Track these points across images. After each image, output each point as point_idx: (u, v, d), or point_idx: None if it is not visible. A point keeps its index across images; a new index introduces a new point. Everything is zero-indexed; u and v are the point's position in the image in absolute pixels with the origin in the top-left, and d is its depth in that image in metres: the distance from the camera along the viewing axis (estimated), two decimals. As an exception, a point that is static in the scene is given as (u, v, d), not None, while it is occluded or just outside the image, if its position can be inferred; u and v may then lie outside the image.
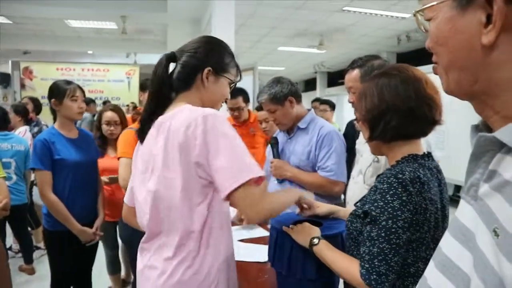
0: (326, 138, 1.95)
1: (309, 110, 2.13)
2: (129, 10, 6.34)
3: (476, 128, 0.60)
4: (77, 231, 2.14)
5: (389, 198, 0.98)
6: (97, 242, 2.37)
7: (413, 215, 0.97)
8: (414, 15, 0.63)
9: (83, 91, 2.26)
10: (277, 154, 2.09)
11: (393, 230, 0.97)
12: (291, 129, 2.11)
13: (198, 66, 1.20)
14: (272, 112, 2.03)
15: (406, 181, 0.98)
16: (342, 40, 7.91)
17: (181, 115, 1.10)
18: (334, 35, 7.50)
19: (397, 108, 1.04)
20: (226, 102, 3.08)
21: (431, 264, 0.64)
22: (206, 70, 1.20)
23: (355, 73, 1.68)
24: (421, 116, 1.04)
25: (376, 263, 0.97)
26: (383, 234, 0.98)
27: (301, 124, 2.05)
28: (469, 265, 0.53)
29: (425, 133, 1.10)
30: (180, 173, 1.06)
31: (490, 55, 0.50)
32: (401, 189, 0.97)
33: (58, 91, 2.15)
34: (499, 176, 0.51)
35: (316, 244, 1.17)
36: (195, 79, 1.21)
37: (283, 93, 1.99)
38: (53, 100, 2.15)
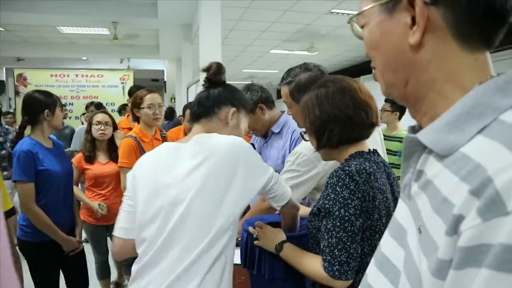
0: (299, 141, 1.93)
1: (282, 112, 2.15)
2: (120, 16, 6.37)
3: (413, 129, 0.62)
4: (63, 241, 2.14)
5: (338, 189, 1.04)
6: (83, 250, 2.36)
7: (362, 202, 1.03)
8: (349, 22, 0.65)
9: None
10: None
11: (346, 218, 1.02)
12: (266, 134, 2.14)
13: None
14: None
15: (352, 172, 1.05)
16: (333, 43, 7.96)
17: None
18: (324, 38, 7.54)
19: (337, 117, 1.12)
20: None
21: (372, 261, 0.67)
22: None
23: (285, 89, 1.72)
24: (360, 121, 1.13)
25: (337, 253, 1.02)
26: (338, 224, 1.03)
27: (275, 129, 2.08)
28: (402, 262, 0.55)
29: (366, 136, 1.18)
30: None
31: (417, 55, 0.53)
32: (348, 179, 1.04)
33: (50, 102, 2.15)
34: (424, 175, 0.53)
35: (281, 250, 1.22)
36: None
37: (253, 100, 2.01)
38: (46, 111, 2.13)
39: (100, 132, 2.77)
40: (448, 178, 0.47)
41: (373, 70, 0.64)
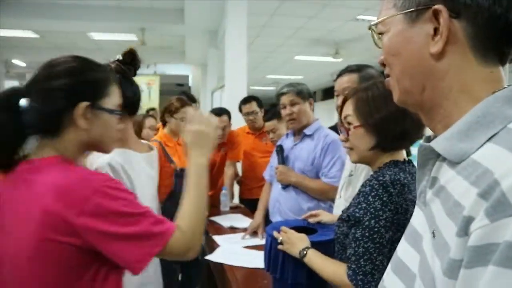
0: (332, 146, 2.01)
1: (316, 119, 2.21)
2: (147, 22, 6.52)
3: (428, 139, 0.64)
4: None
5: (371, 199, 1.03)
6: None
7: (394, 214, 1.01)
8: (369, 29, 0.67)
9: None
10: (282, 161, 2.16)
11: (376, 229, 1.01)
12: (298, 134, 2.18)
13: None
14: (293, 104, 2.11)
15: (386, 183, 1.02)
16: (358, 49, 7.89)
17: None
18: (350, 44, 7.50)
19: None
20: (240, 110, 3.21)
21: (389, 266, 0.69)
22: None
23: (353, 76, 1.61)
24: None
25: (362, 263, 1.01)
26: (367, 234, 1.01)
27: (308, 131, 2.13)
28: (417, 266, 0.57)
29: (410, 146, 1.16)
30: None
31: (436, 63, 0.55)
32: (382, 190, 1.02)
33: None
34: (438, 181, 0.55)
35: (305, 256, 1.22)
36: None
37: (308, 91, 2.14)
38: None
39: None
40: (460, 183, 0.49)
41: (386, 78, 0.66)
